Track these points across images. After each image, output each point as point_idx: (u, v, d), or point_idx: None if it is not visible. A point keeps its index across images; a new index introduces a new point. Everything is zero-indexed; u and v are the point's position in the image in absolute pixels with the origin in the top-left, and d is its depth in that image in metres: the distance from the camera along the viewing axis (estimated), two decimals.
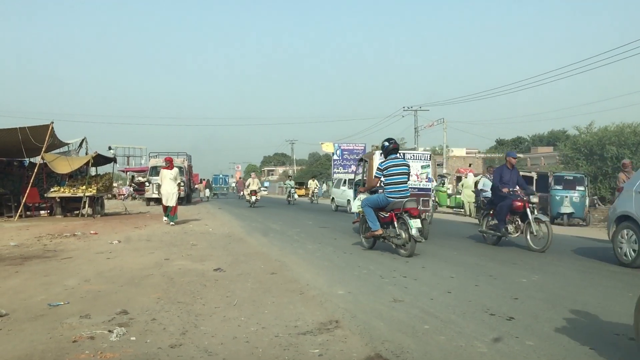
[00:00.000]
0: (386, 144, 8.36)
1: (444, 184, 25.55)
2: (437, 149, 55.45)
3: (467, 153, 58.50)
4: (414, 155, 11.33)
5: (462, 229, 14.08)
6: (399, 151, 8.56)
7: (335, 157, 47.81)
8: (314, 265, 6.89)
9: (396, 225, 7.62)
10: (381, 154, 9.05)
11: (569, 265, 7.45)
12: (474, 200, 20.43)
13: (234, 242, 9.58)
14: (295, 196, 30.43)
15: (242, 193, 40.65)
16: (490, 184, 10.89)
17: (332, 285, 5.53)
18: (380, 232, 7.90)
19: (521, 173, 21.44)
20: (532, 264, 7.42)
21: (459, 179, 24.67)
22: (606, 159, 23.98)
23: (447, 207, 23.60)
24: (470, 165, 42.60)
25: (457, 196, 22.44)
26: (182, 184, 15.59)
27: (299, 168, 79.91)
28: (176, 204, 13.58)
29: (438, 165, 43.78)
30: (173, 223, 13.11)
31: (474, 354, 3.31)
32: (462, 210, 21.54)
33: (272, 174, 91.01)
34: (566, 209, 16.98)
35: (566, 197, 17.07)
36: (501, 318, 4.17)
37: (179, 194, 14.27)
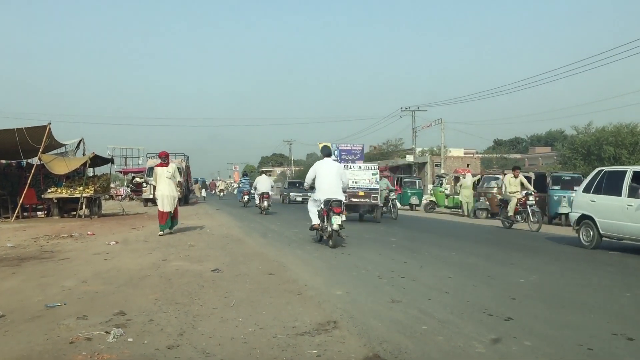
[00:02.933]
0: (244, 171, 39.67)
1: (442, 184, 25.56)
2: (435, 149, 55.50)
3: (465, 153, 58.51)
4: (367, 167, 16.53)
5: (460, 229, 14.10)
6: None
7: (333, 157, 47.81)
8: (312, 266, 6.88)
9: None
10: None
11: (566, 265, 7.46)
12: (472, 200, 20.49)
13: (232, 242, 9.57)
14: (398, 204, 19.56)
15: (213, 192, 46.97)
16: None
17: (330, 285, 5.52)
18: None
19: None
20: (530, 264, 7.43)
21: (457, 179, 24.68)
22: (603, 159, 24.03)
23: (445, 207, 23.60)
24: (468, 165, 42.68)
25: (456, 196, 22.46)
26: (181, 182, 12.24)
27: (297, 169, 79.92)
28: (177, 207, 11.13)
29: (436, 165, 43.88)
30: (167, 232, 10.72)
31: (472, 354, 3.31)
32: (460, 210, 21.56)
33: (270, 175, 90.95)
34: (564, 209, 16.97)
35: (564, 197, 17.08)
36: (499, 318, 4.17)
37: (179, 195, 11.62)
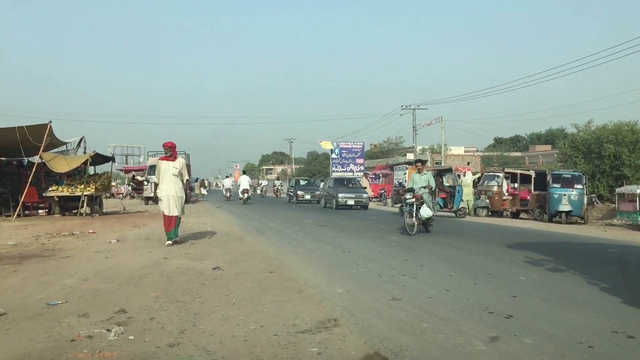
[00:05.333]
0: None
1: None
2: (435, 147, 55.51)
3: (465, 151, 58.59)
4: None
5: (461, 227, 14.09)
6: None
7: (333, 155, 47.78)
8: (313, 264, 6.89)
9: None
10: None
11: (567, 263, 7.46)
12: (472, 198, 20.49)
13: (233, 240, 9.58)
14: None
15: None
16: None
17: (330, 283, 5.53)
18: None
19: (519, 171, 21.61)
20: (531, 262, 7.43)
21: (457, 177, 24.63)
22: (604, 157, 24.01)
23: None
24: (468, 163, 42.65)
25: None
26: (189, 181, 9.74)
27: (298, 167, 79.97)
28: (182, 213, 8.91)
29: (436, 163, 43.85)
30: (173, 241, 8.67)
31: (472, 352, 3.31)
32: None
33: (271, 173, 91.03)
34: (564, 207, 17.00)
35: (564, 195, 17.09)
36: (500, 316, 4.18)
37: (186, 196, 9.17)
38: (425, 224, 11.26)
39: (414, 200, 10.92)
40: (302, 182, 31.72)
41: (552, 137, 66.06)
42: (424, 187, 11.43)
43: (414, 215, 10.82)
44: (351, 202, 22.31)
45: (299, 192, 28.61)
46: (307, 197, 28.11)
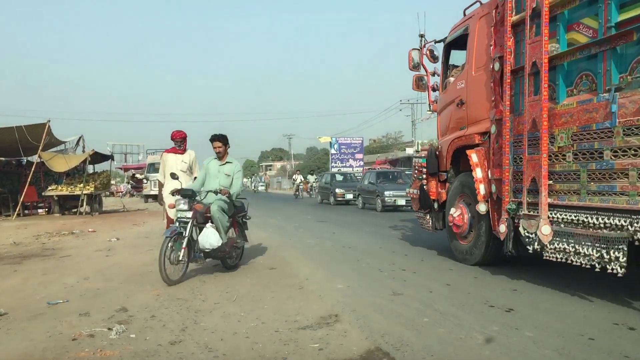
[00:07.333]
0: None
1: None
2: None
3: None
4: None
5: None
6: None
7: (332, 151, 47.74)
8: (313, 260, 6.90)
9: None
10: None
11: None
12: None
13: None
14: None
15: None
16: None
17: (331, 279, 5.54)
18: None
19: None
20: (532, 255, 7.43)
21: None
22: None
23: None
24: None
25: None
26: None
27: (297, 163, 79.95)
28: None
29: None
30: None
31: (473, 345, 3.32)
32: None
33: (270, 169, 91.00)
34: None
35: None
36: (500, 309, 4.18)
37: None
38: (218, 257, 5.90)
39: (189, 215, 5.52)
40: (339, 177, 24.87)
41: None
42: (216, 192, 5.85)
43: (184, 243, 5.36)
44: (402, 201, 16.84)
45: (337, 191, 21.73)
46: (349, 196, 21.32)
